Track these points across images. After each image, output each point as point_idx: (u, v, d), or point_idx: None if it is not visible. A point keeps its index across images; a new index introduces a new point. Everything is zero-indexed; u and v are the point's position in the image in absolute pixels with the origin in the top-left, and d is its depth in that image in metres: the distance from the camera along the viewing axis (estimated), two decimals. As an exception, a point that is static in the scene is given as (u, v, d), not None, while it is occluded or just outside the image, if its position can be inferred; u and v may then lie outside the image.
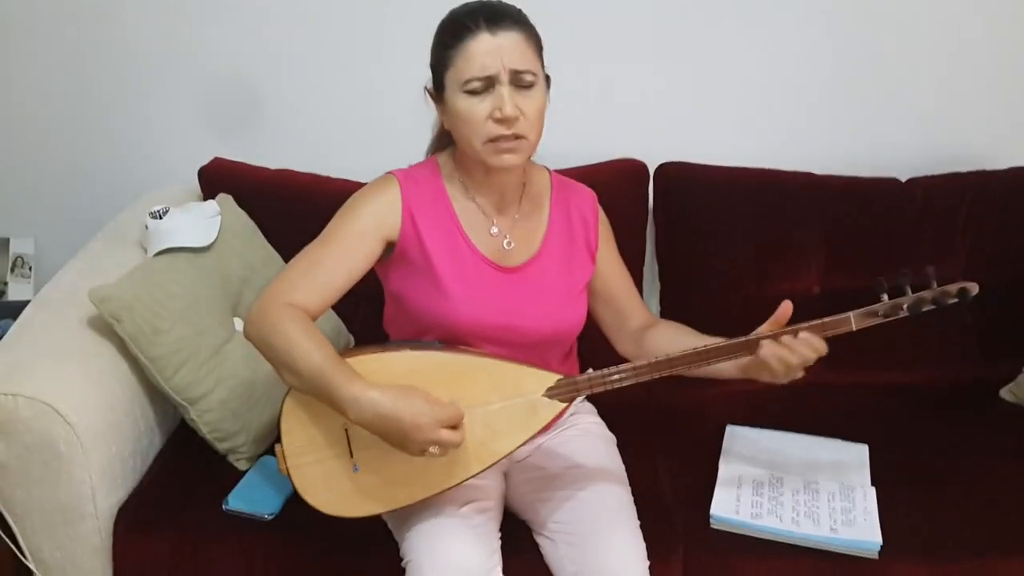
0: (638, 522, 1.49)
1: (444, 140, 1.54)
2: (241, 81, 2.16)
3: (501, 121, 1.37)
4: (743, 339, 1.40)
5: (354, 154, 2.11)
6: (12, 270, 2.30)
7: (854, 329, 1.40)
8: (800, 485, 1.66)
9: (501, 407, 1.40)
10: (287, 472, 1.43)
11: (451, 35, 1.39)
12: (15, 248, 2.32)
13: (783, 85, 2.13)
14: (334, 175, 2.03)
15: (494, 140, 1.38)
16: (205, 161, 2.05)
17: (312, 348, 1.34)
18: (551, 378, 1.41)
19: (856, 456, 1.75)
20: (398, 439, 1.32)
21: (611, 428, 1.70)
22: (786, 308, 1.39)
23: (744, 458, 1.74)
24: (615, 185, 1.98)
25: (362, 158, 1.91)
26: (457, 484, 1.41)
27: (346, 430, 1.41)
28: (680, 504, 1.64)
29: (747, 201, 2.02)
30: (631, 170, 2.04)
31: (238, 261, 1.83)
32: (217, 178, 2.03)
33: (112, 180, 2.24)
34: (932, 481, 1.70)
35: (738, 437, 1.81)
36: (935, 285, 1.39)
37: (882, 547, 1.53)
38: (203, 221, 1.81)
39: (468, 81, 1.37)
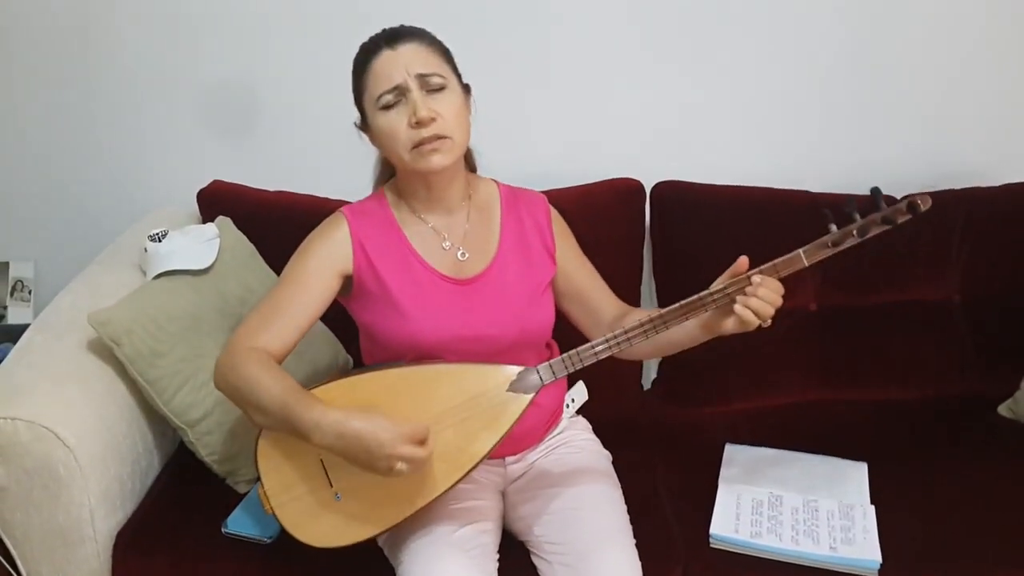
0: (634, 541, 1.49)
1: (387, 170, 1.60)
2: (240, 104, 2.17)
3: (419, 124, 1.41)
4: (700, 295, 1.39)
5: (352, 176, 2.11)
6: (12, 294, 2.31)
7: (806, 264, 1.39)
8: (799, 503, 1.66)
9: (469, 410, 1.41)
10: (272, 512, 1.44)
11: (359, 63, 1.47)
12: (15, 272, 2.32)
13: (779, 104, 2.15)
14: (332, 197, 2.04)
15: (417, 145, 1.42)
16: (204, 184, 2.06)
17: (272, 383, 1.38)
18: (513, 371, 1.42)
19: (855, 474, 1.75)
20: (364, 458, 1.33)
21: (608, 446, 1.70)
22: (742, 261, 1.41)
23: (743, 477, 1.74)
24: (612, 204, 1.99)
25: (360, 180, 1.91)
26: (442, 494, 1.41)
27: (321, 460, 1.42)
28: (679, 523, 1.64)
29: (743, 219, 2.03)
30: (627, 189, 2.04)
31: (237, 283, 1.84)
32: (216, 200, 2.04)
33: (111, 203, 2.25)
34: (931, 499, 1.70)
35: (737, 455, 1.81)
36: (884, 206, 1.35)
37: (881, 565, 1.53)
38: (202, 244, 1.82)
39: (380, 96, 1.43)
